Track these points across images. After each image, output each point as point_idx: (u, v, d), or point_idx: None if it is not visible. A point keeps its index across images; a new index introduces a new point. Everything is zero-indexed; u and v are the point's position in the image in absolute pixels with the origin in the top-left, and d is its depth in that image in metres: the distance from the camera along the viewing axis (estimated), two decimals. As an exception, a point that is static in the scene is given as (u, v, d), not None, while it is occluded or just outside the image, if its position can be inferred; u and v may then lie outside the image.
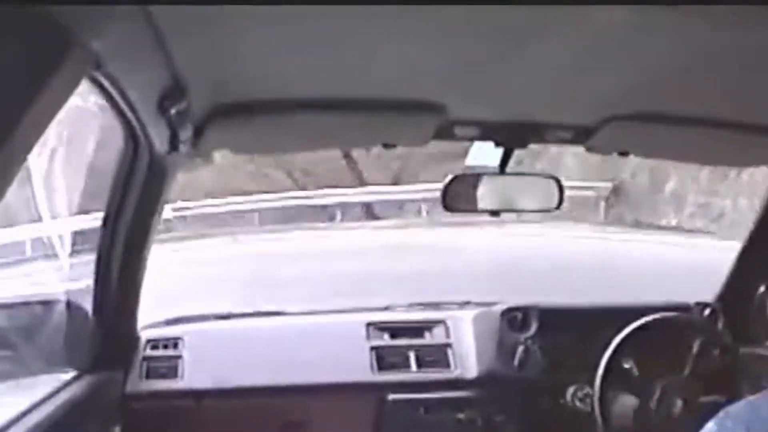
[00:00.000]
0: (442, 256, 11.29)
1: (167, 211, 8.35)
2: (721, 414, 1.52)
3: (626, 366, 2.61)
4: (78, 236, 2.45)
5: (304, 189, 18.60)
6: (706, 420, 1.50)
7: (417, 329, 2.82)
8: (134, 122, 1.71)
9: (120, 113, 1.65)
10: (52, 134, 1.13)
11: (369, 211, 18.24)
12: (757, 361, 2.61)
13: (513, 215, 9.50)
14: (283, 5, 1.25)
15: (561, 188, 2.35)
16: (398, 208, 18.02)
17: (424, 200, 16.21)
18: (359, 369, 2.69)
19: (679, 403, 2.21)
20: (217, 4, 1.24)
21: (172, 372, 2.56)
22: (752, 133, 2.02)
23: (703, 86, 1.73)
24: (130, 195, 2.05)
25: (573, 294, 5.60)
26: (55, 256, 2.55)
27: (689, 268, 7.32)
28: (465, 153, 15.55)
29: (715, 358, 2.55)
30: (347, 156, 18.92)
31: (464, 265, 10.08)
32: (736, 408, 1.54)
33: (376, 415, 2.67)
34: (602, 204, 16.21)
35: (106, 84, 1.40)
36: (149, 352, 2.58)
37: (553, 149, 14.42)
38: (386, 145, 2.27)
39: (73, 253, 2.45)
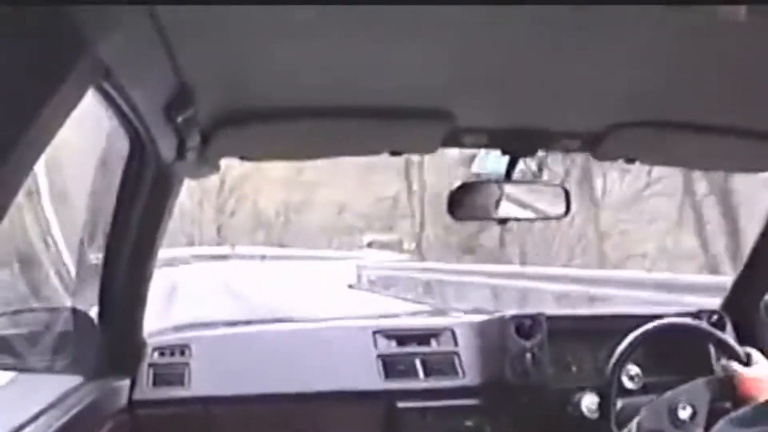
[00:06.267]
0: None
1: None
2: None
3: (633, 373, 2.60)
4: (84, 243, 2.45)
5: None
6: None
7: (424, 336, 2.82)
8: (140, 130, 1.70)
9: (126, 121, 1.64)
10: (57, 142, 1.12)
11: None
12: None
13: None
14: (290, 11, 1.25)
15: (568, 196, 2.35)
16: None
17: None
18: (367, 377, 2.68)
19: (687, 409, 2.20)
20: (224, 4, 1.24)
21: (180, 379, 2.56)
22: (764, 140, 2.01)
23: (713, 92, 1.72)
24: (137, 203, 2.04)
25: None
26: (62, 263, 2.55)
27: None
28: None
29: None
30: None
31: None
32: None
33: (384, 423, 2.67)
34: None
35: (112, 91, 1.39)
36: (156, 359, 2.58)
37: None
38: (393, 153, 2.27)
39: (80, 259, 2.45)
